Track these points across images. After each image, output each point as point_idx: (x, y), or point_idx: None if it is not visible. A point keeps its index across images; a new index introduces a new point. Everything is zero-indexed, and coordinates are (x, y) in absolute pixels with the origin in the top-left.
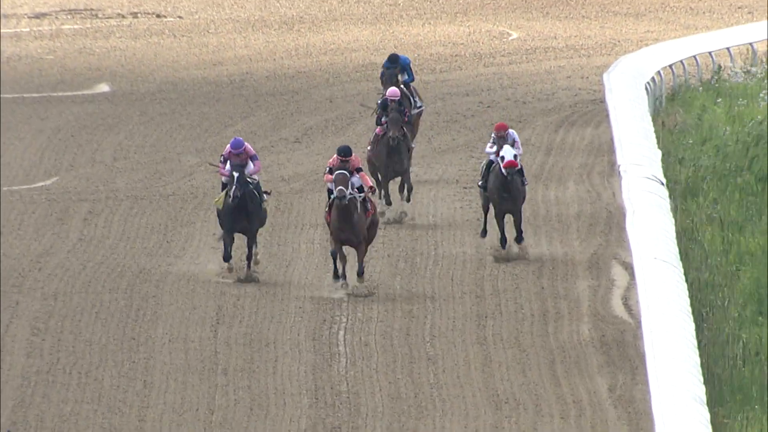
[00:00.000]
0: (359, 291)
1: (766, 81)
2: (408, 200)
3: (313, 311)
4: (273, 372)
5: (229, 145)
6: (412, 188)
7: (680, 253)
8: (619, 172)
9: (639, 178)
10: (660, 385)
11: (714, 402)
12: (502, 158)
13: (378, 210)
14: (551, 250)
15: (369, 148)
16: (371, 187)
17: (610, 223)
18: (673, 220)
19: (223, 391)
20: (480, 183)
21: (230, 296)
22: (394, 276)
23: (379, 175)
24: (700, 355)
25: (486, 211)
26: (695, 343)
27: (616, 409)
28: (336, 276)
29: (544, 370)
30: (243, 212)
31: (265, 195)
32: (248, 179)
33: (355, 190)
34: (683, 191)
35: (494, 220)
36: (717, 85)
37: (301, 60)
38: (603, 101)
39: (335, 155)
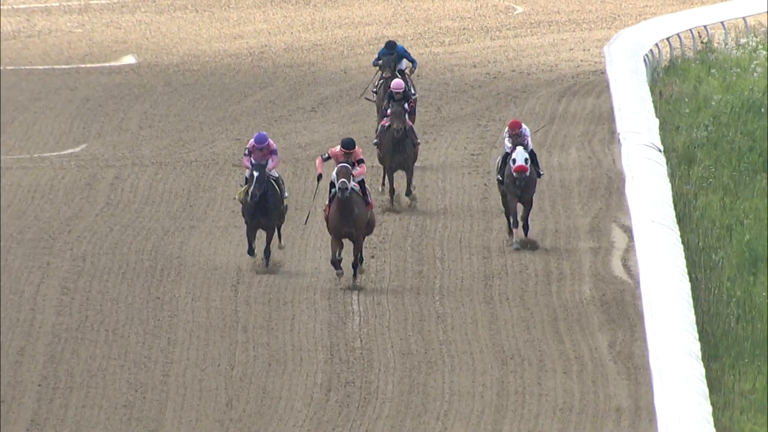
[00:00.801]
0: (355, 283)
1: (759, 52)
2: (411, 194)
3: (328, 272)
4: (290, 329)
5: (252, 140)
6: (412, 186)
7: (677, 216)
8: (619, 140)
9: (638, 145)
10: (657, 342)
11: (708, 357)
12: (514, 161)
13: (384, 197)
14: (554, 213)
15: (376, 140)
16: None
17: (610, 188)
18: (669, 185)
19: (243, 348)
20: (497, 177)
21: (249, 257)
22: (405, 238)
23: (385, 166)
24: (695, 313)
25: (506, 205)
26: (690, 301)
27: (615, 364)
28: (335, 264)
29: (548, 327)
30: (262, 209)
31: (285, 193)
32: (269, 177)
33: (356, 184)
34: (680, 158)
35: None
36: (712, 56)
37: (317, 33)
38: (603, 72)
39: (339, 147)
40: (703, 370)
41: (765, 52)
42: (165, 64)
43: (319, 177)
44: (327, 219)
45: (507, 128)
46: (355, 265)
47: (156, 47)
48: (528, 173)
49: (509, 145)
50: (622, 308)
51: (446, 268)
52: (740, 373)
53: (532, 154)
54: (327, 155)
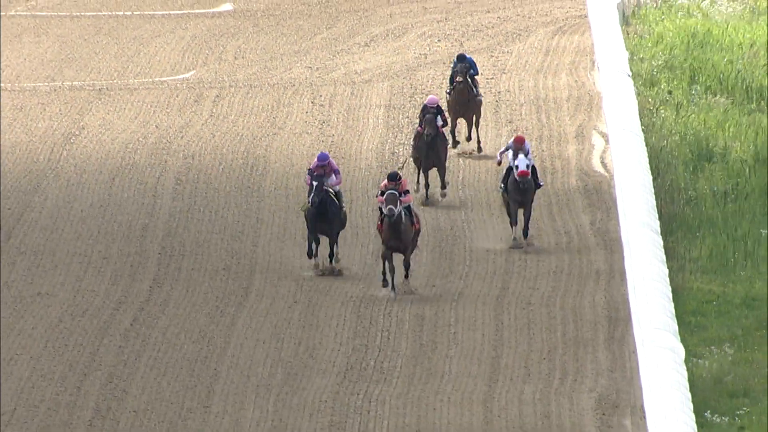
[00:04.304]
0: (405, 290)
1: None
2: (443, 192)
3: (379, 168)
4: (349, 212)
5: (316, 159)
6: (445, 182)
7: (642, 125)
8: (598, 67)
9: (612, 71)
10: (627, 220)
11: (666, 232)
12: (517, 167)
13: (419, 194)
14: (549, 123)
15: (412, 143)
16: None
17: (591, 103)
18: (636, 102)
19: None
20: (501, 186)
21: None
22: None
23: (419, 166)
24: (656, 198)
25: (509, 209)
26: (652, 189)
27: (595, 237)
28: (385, 282)
29: (544, 209)
30: (323, 216)
31: (343, 204)
32: (327, 188)
33: (404, 208)
34: (644, 81)
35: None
36: (667, 3)
37: None
38: (586, 16)
39: (386, 180)
40: (661, 242)
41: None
42: (254, 9)
43: (381, 209)
44: (380, 234)
45: (512, 141)
46: (406, 275)
47: None
48: (529, 177)
49: (512, 157)
50: (600, 195)
51: (467, 165)
52: (689, 244)
53: (533, 168)
54: (379, 191)
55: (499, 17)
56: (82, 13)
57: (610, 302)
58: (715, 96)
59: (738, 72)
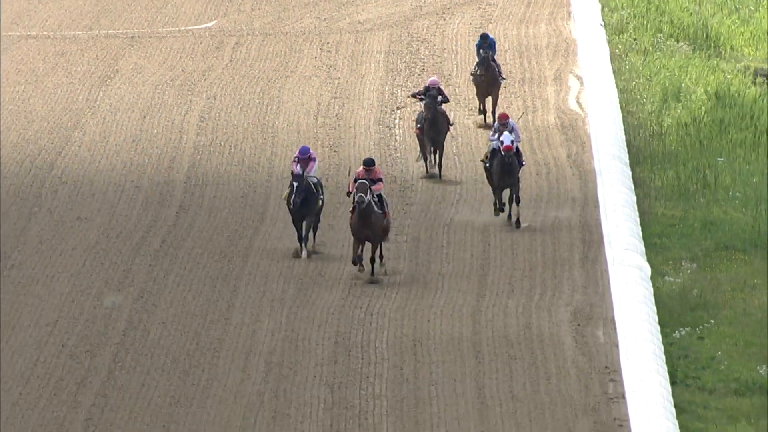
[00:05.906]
0: (375, 277)
1: None
2: (439, 174)
3: (380, 106)
4: (353, 145)
5: (298, 151)
6: (441, 165)
7: (613, 69)
8: (574, 18)
9: (586, 21)
10: (599, 152)
11: (634, 163)
12: (502, 142)
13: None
14: (530, 67)
15: (417, 123)
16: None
17: (568, 50)
18: (608, 49)
19: (321, 157)
20: (486, 163)
21: (325, 96)
22: (424, 71)
23: (422, 144)
24: (626, 133)
25: (493, 186)
26: (622, 126)
27: (571, 168)
28: (354, 262)
29: (525, 144)
30: (302, 210)
31: (321, 194)
32: (309, 182)
33: (375, 197)
34: (614, 29)
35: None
36: None
37: None
38: None
39: (361, 166)
40: (630, 172)
41: None
42: None
43: (348, 193)
44: (350, 224)
45: (496, 121)
46: (373, 260)
47: None
48: (514, 152)
49: (495, 138)
50: (576, 131)
51: (455, 97)
52: (654, 174)
53: (517, 149)
54: (355, 177)
55: None
56: None
57: (585, 226)
58: (678, 42)
59: (697, 21)
